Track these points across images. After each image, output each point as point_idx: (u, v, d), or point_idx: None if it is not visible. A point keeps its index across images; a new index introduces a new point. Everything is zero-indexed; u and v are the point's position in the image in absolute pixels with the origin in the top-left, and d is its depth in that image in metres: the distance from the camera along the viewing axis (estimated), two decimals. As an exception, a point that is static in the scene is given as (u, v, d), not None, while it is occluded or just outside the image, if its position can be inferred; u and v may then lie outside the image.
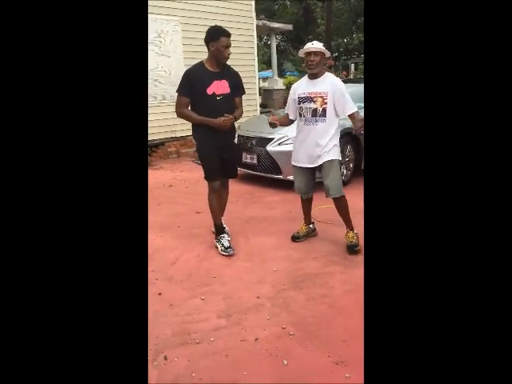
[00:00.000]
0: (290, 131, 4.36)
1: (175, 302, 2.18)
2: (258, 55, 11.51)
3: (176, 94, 2.65)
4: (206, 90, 2.53)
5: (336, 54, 17.19)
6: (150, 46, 5.89)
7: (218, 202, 2.84)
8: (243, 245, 2.94)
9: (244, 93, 2.80)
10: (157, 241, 3.04)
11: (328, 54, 2.66)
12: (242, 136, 4.62)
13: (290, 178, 4.25)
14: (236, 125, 2.90)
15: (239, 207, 3.02)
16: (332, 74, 2.77)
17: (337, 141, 2.69)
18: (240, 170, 3.77)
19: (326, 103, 2.58)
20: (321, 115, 2.61)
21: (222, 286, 2.35)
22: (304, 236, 2.97)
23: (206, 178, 2.78)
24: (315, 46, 2.56)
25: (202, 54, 6.37)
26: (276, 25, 8.42)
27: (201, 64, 2.61)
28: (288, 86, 9.66)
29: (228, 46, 2.52)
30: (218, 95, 2.56)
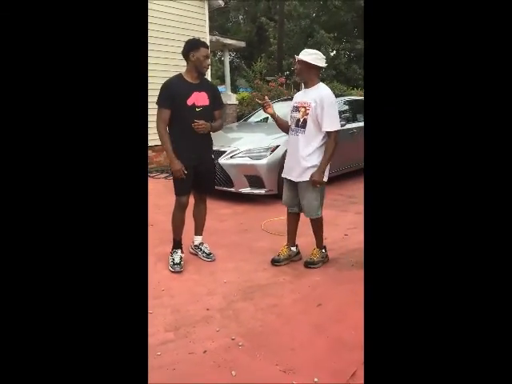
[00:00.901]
0: (241, 144, 4.44)
1: (120, 317, 2.10)
2: (212, 70, 11.60)
3: (156, 107, 2.54)
4: (186, 101, 2.51)
5: (287, 72, 17.75)
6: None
7: (183, 218, 2.73)
8: (193, 257, 2.90)
9: (223, 106, 2.79)
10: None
11: (316, 63, 2.49)
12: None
13: (242, 190, 4.30)
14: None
15: (189, 219, 2.99)
16: (324, 86, 2.57)
17: (320, 159, 2.51)
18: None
19: (307, 114, 2.49)
20: (301, 126, 2.53)
21: (170, 299, 2.30)
22: (285, 260, 2.76)
23: (176, 192, 2.68)
24: (300, 55, 2.51)
25: (154, 66, 6.40)
26: (229, 41, 8.57)
27: (179, 76, 2.59)
28: (241, 101, 9.82)
29: (208, 56, 2.55)
30: (198, 107, 2.54)
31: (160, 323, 2.05)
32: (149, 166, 6.68)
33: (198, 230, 2.94)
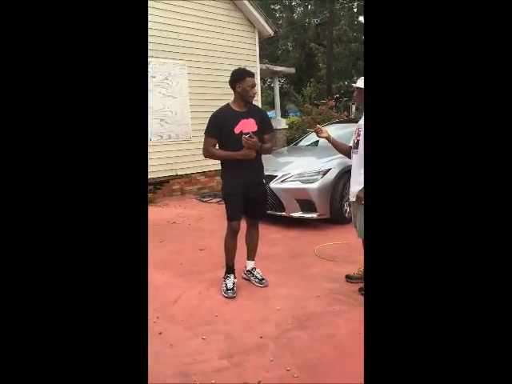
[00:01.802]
0: (292, 168, 4.43)
1: (175, 342, 2.12)
2: (262, 97, 11.88)
3: (204, 136, 2.66)
4: (233, 129, 2.56)
5: (337, 95, 17.71)
6: (157, 88, 6.12)
7: (235, 243, 2.76)
8: (245, 283, 2.89)
9: (273, 130, 2.82)
10: (158, 279, 3.00)
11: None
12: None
13: (293, 214, 4.26)
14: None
15: (241, 243, 3.00)
16: None
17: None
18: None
19: (359, 135, 2.52)
20: (355, 146, 2.58)
21: (223, 324, 2.29)
22: (357, 279, 2.75)
23: (228, 218, 2.72)
24: (357, 83, 2.54)
25: (206, 95, 6.69)
26: (279, 68, 8.77)
27: (227, 106, 2.67)
28: (290, 126, 9.90)
29: (253, 85, 2.58)
30: (245, 133, 2.54)
31: (213, 350, 2.04)
32: (202, 191, 6.89)
33: (251, 255, 2.93)
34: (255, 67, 7.43)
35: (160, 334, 2.21)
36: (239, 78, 2.58)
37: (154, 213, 5.40)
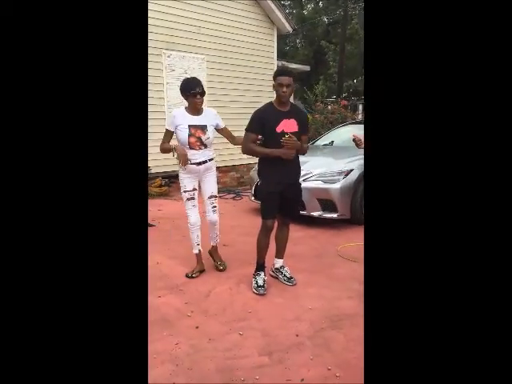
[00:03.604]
0: (313, 167, 4.45)
1: (213, 337, 2.15)
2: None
3: (244, 132, 2.68)
4: (275, 128, 2.58)
5: (345, 94, 17.66)
6: (176, 82, 6.11)
7: (268, 241, 2.80)
8: (274, 280, 2.92)
9: (309, 131, 2.84)
10: (186, 272, 3.03)
11: None
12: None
13: (314, 213, 4.29)
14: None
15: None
16: None
17: None
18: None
19: None
20: None
21: (258, 322, 2.32)
22: None
23: (263, 216, 2.74)
24: None
25: (223, 91, 6.69)
26: (294, 66, 8.75)
27: (270, 104, 2.68)
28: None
29: (283, 84, 2.53)
30: (287, 133, 2.56)
31: (252, 346, 2.07)
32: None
33: (280, 253, 2.96)
34: (273, 64, 7.42)
35: (197, 327, 2.24)
36: (274, 76, 2.61)
37: (170, 206, 5.42)
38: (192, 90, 2.74)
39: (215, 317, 2.38)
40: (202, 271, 3.05)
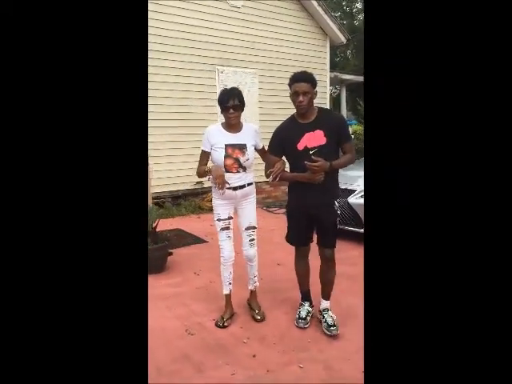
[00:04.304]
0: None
1: (272, 368, 2.02)
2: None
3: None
4: (296, 146, 2.22)
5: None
6: (229, 96, 6.17)
7: (306, 268, 2.52)
8: (335, 304, 2.73)
9: (351, 138, 2.37)
10: (240, 293, 2.93)
11: None
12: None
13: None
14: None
15: (316, 261, 2.83)
16: None
17: None
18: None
19: None
20: None
21: (319, 353, 2.16)
22: None
23: (287, 239, 2.50)
24: None
25: (276, 105, 6.64)
26: (347, 77, 8.55)
27: (291, 117, 2.34)
28: (352, 134, 9.57)
29: (299, 92, 2.16)
30: (311, 148, 2.19)
31: (315, 380, 1.91)
32: (267, 201, 6.83)
33: (323, 292, 2.50)
34: (325, 75, 7.29)
35: (254, 356, 2.12)
36: (289, 83, 2.22)
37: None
38: (225, 103, 2.29)
39: (273, 346, 2.24)
40: (232, 315, 2.59)
